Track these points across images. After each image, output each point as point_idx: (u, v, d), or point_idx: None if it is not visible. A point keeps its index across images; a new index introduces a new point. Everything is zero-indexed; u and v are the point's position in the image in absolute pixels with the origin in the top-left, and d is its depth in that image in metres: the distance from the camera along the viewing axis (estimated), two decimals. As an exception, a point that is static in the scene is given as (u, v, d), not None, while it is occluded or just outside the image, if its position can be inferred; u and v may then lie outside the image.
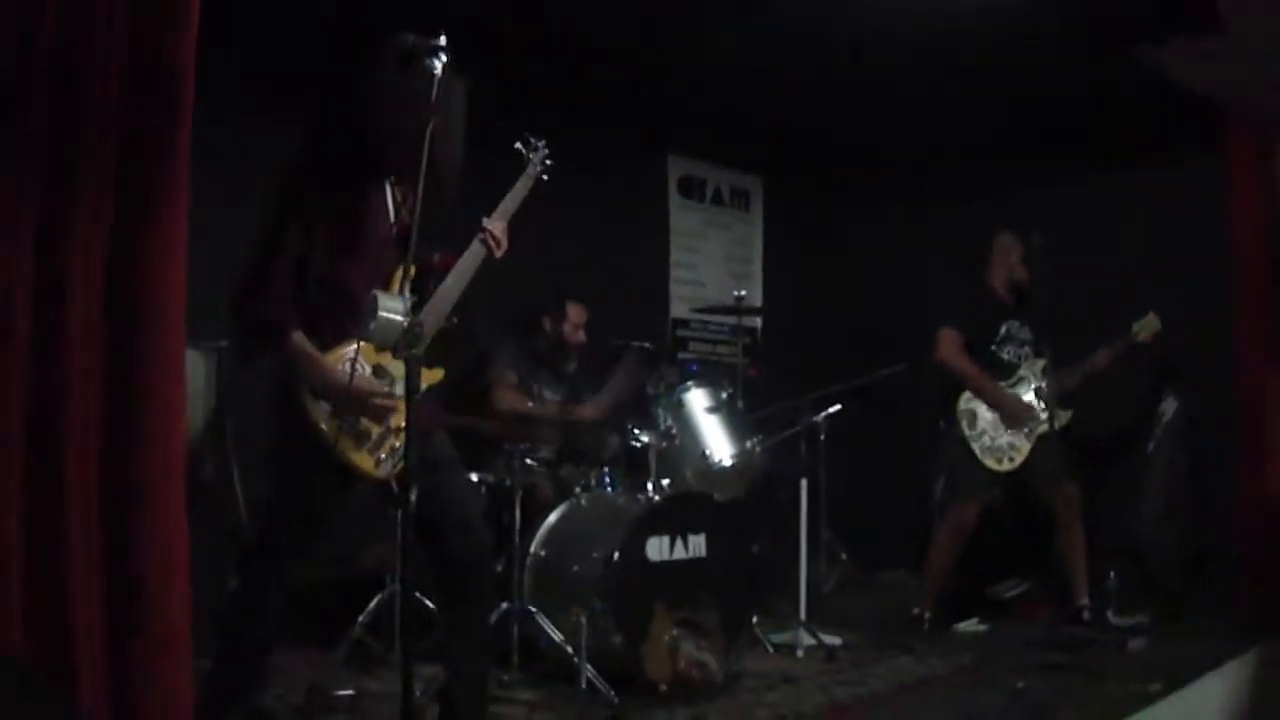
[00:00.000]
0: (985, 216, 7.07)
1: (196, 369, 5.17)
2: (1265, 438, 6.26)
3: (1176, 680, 5.14)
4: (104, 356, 2.96)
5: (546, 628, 5.02)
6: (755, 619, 5.60)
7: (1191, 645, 5.86)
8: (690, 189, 8.92)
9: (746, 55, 7.41)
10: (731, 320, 7.61)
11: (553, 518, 5.39)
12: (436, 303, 3.75)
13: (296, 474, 3.68)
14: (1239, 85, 5.46)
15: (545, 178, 4.13)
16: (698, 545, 5.21)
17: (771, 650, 5.77)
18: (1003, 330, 6.52)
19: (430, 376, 3.72)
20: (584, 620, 4.74)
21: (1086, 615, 6.35)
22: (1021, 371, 6.50)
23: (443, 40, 3.36)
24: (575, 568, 5.12)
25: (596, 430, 6.05)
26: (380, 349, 3.53)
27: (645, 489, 5.47)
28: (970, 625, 6.54)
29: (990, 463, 6.36)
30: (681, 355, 8.55)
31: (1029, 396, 6.45)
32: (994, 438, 6.38)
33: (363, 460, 3.65)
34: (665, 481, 5.59)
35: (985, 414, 6.41)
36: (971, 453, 6.38)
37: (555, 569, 5.22)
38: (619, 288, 7.63)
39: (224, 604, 4.04)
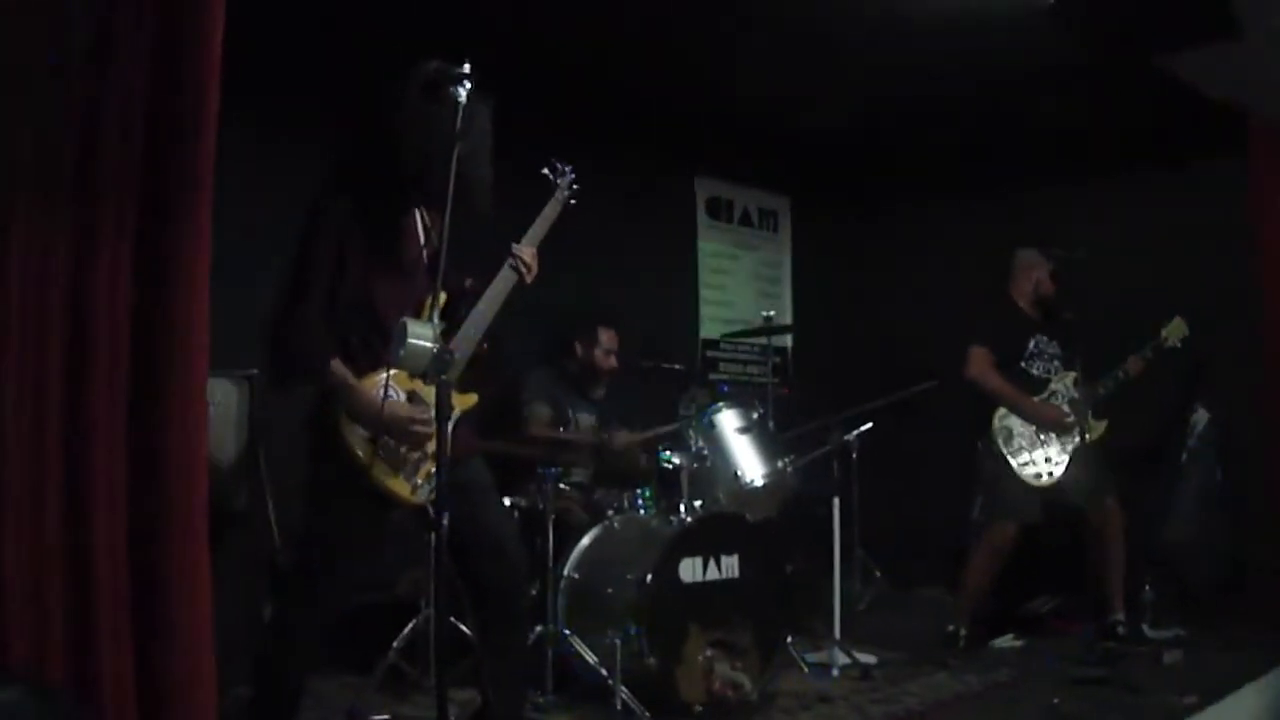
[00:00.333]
0: (1013, 230, 7.07)
1: (229, 397, 5.19)
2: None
3: (1213, 693, 5.13)
4: (130, 379, 2.99)
5: (581, 650, 5.03)
6: (790, 638, 5.57)
7: (1228, 657, 5.84)
8: (718, 210, 8.94)
9: (772, 76, 7.45)
10: (762, 340, 7.61)
11: (586, 540, 5.39)
12: (468, 328, 3.77)
13: (332, 501, 3.68)
14: (1258, 89, 5.44)
15: (573, 202, 4.15)
16: (731, 566, 5.21)
17: (806, 669, 5.74)
18: (1031, 346, 6.50)
19: (463, 402, 3.74)
20: (618, 642, 4.75)
21: (1121, 629, 6.31)
22: (1053, 386, 6.47)
23: (467, 68, 3.38)
24: (609, 590, 5.12)
25: (629, 453, 6.06)
26: (411, 375, 3.55)
27: (678, 510, 5.46)
28: (1006, 641, 6.50)
29: (1028, 479, 6.33)
30: (712, 376, 8.56)
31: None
32: (1030, 453, 6.35)
33: (399, 486, 3.67)
34: (698, 503, 5.58)
35: (1020, 430, 6.38)
36: (1010, 470, 6.34)
37: (589, 591, 5.22)
38: (649, 310, 7.66)
39: (260, 633, 4.06)
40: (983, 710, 5.22)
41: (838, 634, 5.89)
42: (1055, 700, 5.09)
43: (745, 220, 9.16)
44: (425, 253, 3.82)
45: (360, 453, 3.58)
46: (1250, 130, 6.28)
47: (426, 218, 3.87)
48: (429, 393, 3.58)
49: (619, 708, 4.73)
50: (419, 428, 3.62)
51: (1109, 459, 6.53)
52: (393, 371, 3.53)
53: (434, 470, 3.58)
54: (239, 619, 4.38)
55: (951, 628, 6.37)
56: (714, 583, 5.13)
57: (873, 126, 8.42)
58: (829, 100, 7.88)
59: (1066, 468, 6.36)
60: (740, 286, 9.05)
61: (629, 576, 5.00)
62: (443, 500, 3.13)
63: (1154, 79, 5.80)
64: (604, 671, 4.85)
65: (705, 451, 5.82)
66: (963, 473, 6.69)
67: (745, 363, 8.92)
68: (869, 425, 6.25)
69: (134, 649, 2.95)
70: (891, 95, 7.72)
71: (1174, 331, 6.42)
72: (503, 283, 3.88)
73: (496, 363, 4.08)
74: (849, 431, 6.22)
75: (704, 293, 8.77)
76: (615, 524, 5.49)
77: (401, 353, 3.14)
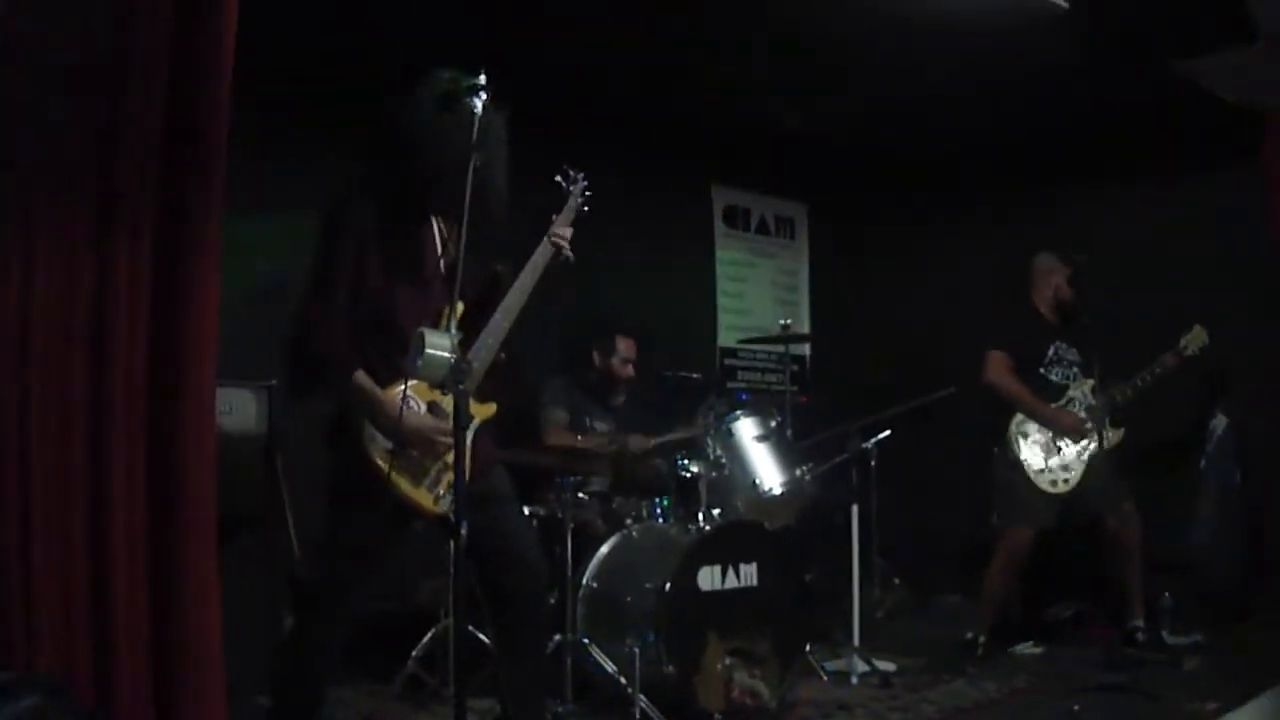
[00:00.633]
0: (1032, 235, 7.07)
1: (247, 407, 5.21)
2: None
3: (1233, 699, 5.11)
4: (146, 392, 3.02)
5: (600, 659, 5.03)
6: (809, 647, 5.57)
7: (1248, 663, 5.81)
8: (735, 219, 8.96)
9: (787, 84, 7.45)
10: (779, 348, 7.62)
11: (604, 549, 5.40)
12: (486, 337, 3.77)
13: (353, 510, 3.67)
14: (1277, 90, 5.42)
15: (586, 209, 4.15)
16: (749, 574, 5.21)
17: (825, 678, 5.74)
18: (1050, 352, 6.50)
19: (482, 411, 3.76)
20: (637, 651, 4.76)
21: (1141, 635, 6.31)
22: (1071, 392, 6.46)
23: (483, 79, 3.39)
24: (628, 599, 5.13)
25: (646, 462, 6.07)
26: (430, 386, 3.55)
27: (696, 519, 5.47)
28: (1025, 648, 6.49)
29: (1045, 485, 6.33)
30: (730, 384, 8.57)
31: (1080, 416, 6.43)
32: (1047, 460, 6.35)
33: (420, 495, 3.67)
34: (716, 511, 5.58)
35: (1037, 436, 6.38)
36: (1026, 477, 6.34)
37: (608, 600, 5.23)
38: (667, 319, 7.67)
39: (280, 642, 4.07)
40: (1002, 717, 5.21)
41: (856, 642, 5.90)
42: (1075, 707, 5.08)
43: (762, 228, 9.18)
44: (442, 263, 3.83)
45: (381, 463, 3.58)
46: (1266, 125, 6.24)
47: (443, 228, 3.88)
48: (449, 403, 3.56)
49: (638, 716, 4.73)
50: (441, 438, 3.62)
51: (1126, 465, 6.52)
52: (412, 383, 3.53)
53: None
54: (259, 628, 4.40)
55: (970, 635, 6.35)
56: (732, 591, 5.13)
57: (890, 133, 8.41)
58: (845, 107, 7.87)
59: (1083, 474, 6.35)
60: (758, 294, 9.06)
61: (648, 585, 5.01)
62: (461, 509, 3.13)
63: (1175, 82, 5.78)
64: (623, 680, 4.86)
65: (723, 460, 5.83)
66: (981, 480, 6.67)
67: (763, 370, 8.93)
68: (887, 433, 6.25)
69: (148, 661, 2.98)
70: (908, 101, 7.71)
71: (1194, 340, 6.40)
72: (533, 270, 3.88)
73: (515, 372, 4.08)
74: (867, 439, 6.23)
75: (722, 301, 8.79)
76: (634, 532, 5.50)
77: (419, 363, 3.14)
